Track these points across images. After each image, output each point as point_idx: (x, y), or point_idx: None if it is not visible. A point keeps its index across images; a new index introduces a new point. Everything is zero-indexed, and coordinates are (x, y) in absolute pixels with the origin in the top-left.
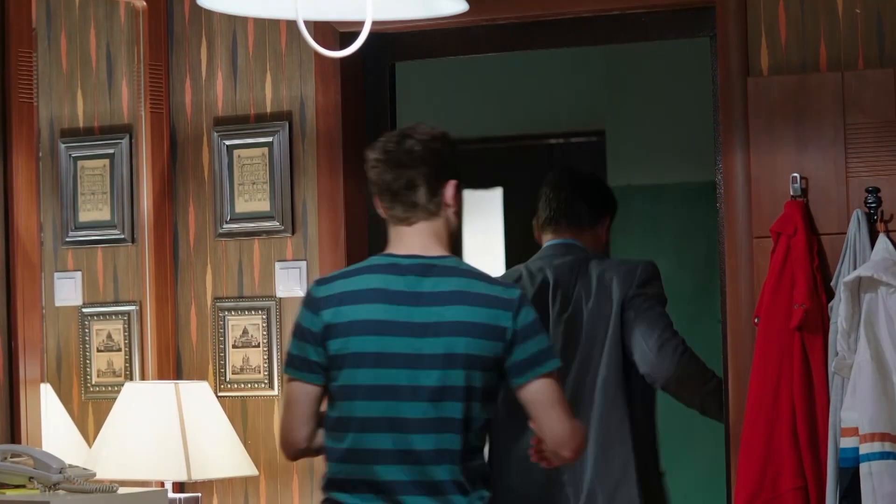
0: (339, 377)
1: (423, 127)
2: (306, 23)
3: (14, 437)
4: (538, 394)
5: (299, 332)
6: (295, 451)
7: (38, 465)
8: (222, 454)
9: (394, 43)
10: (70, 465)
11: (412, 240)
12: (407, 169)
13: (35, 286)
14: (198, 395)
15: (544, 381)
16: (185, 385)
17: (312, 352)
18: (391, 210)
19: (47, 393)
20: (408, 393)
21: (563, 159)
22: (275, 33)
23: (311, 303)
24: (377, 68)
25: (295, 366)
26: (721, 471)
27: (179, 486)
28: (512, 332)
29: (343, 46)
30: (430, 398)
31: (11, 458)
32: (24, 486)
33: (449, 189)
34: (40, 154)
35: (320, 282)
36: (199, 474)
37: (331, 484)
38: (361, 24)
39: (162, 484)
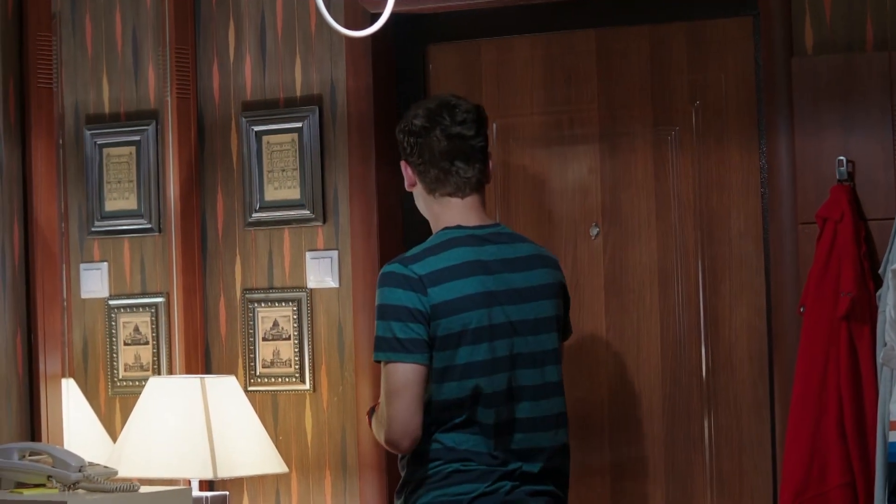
0: (457, 355)
1: (463, 99)
2: (336, 3)
3: (34, 434)
4: None
5: (404, 314)
6: (413, 441)
7: (57, 463)
8: (251, 451)
9: (427, 24)
10: (91, 464)
11: (469, 212)
12: (466, 141)
13: (55, 278)
14: (225, 389)
15: None
16: (211, 380)
17: (423, 331)
18: (443, 183)
19: (70, 388)
20: (526, 361)
21: None
22: (304, 15)
23: (411, 282)
24: (410, 50)
25: (406, 349)
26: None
27: (208, 485)
28: (565, 289)
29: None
30: (544, 363)
31: (30, 456)
32: (43, 486)
33: (489, 164)
34: (61, 141)
35: (408, 261)
36: (225, 472)
37: (475, 455)
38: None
39: (188, 482)
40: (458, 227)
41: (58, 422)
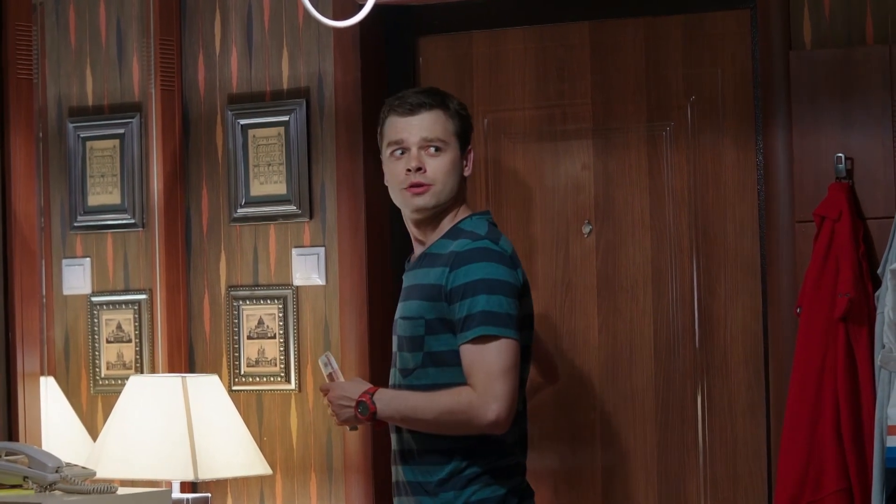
0: (527, 339)
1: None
2: None
3: (11, 433)
4: None
5: (509, 290)
6: (511, 422)
7: (34, 464)
8: (233, 452)
9: (417, 16)
10: (68, 464)
11: None
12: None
13: (34, 274)
14: (207, 389)
15: None
16: (193, 379)
17: (518, 310)
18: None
19: (50, 387)
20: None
21: None
22: (291, 6)
23: (506, 260)
24: (400, 42)
25: (516, 326)
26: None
27: (191, 486)
28: None
29: (364, 18)
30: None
31: (6, 456)
32: (19, 486)
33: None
34: (41, 134)
35: (492, 238)
36: (207, 474)
37: (519, 449)
38: None
39: (169, 484)
40: (485, 213)
41: (36, 421)
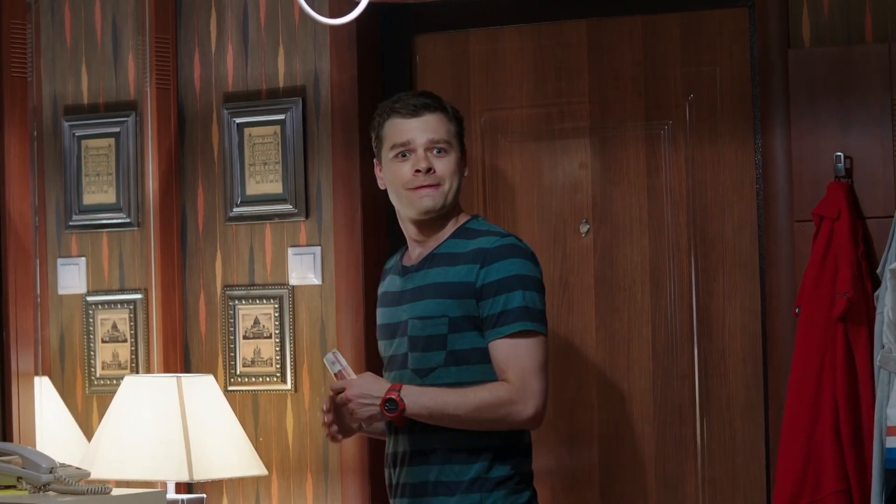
0: None
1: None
2: None
3: (5, 434)
4: None
5: (543, 287)
6: None
7: (27, 464)
8: (228, 453)
9: (414, 14)
10: (62, 465)
11: None
12: None
13: (28, 273)
14: (202, 389)
15: None
16: (188, 379)
17: None
18: None
19: (44, 387)
20: None
21: None
22: (288, 4)
23: (533, 257)
24: (396, 41)
25: (546, 323)
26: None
27: (187, 487)
28: None
29: (358, 17)
30: None
31: (0, 456)
32: (13, 487)
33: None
34: (35, 133)
35: (516, 236)
36: (202, 474)
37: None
38: None
39: (164, 485)
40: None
41: (30, 421)
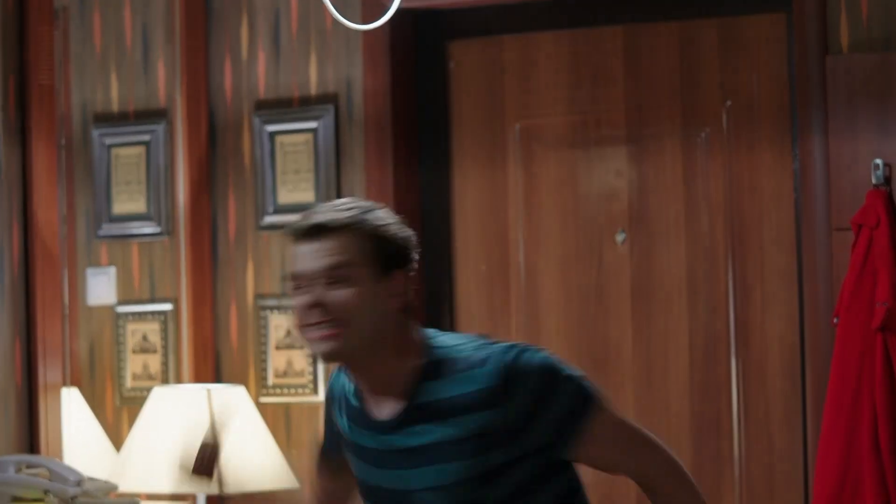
0: None
1: None
2: None
3: (32, 446)
4: None
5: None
6: None
7: (55, 477)
8: (260, 465)
9: (448, 20)
10: (90, 478)
11: None
12: None
13: (56, 283)
14: (233, 400)
15: None
16: (218, 389)
17: None
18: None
19: (73, 398)
20: None
21: None
22: (319, 10)
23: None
24: (430, 47)
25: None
26: None
27: (218, 501)
28: None
29: (391, 23)
30: None
31: (27, 469)
32: (40, 500)
33: None
34: (63, 141)
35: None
36: (233, 487)
37: None
38: None
39: (193, 498)
40: None
41: (57, 433)
